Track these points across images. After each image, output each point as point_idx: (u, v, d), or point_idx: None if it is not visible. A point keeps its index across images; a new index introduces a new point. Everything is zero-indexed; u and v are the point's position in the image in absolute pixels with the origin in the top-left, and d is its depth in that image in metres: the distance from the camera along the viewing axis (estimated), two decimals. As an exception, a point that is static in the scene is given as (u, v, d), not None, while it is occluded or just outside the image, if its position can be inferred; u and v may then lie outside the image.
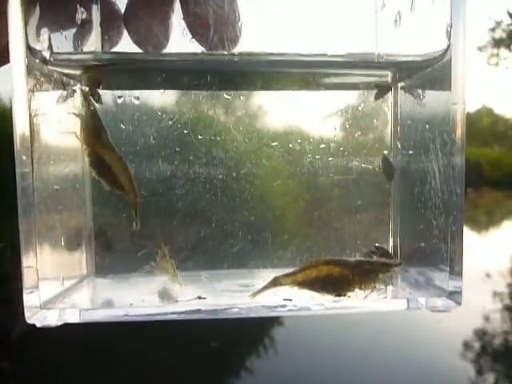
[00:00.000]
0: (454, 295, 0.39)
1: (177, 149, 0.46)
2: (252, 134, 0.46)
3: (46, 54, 0.38)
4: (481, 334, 3.33)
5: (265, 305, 0.40)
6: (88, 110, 0.44)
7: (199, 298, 0.41)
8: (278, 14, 0.42)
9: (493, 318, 3.53)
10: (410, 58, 0.43)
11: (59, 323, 0.38)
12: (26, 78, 0.37)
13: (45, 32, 0.38)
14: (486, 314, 3.51)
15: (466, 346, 3.15)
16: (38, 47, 0.38)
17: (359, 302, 0.41)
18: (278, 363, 2.85)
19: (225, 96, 0.46)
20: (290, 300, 0.40)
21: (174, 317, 0.39)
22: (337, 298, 0.41)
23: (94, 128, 0.44)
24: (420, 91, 0.43)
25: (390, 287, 0.42)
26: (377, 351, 2.88)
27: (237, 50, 0.40)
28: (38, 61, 0.38)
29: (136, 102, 0.46)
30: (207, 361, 2.79)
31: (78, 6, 0.39)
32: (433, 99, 0.42)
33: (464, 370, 2.85)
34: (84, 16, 0.39)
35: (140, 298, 0.42)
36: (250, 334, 3.15)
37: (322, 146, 0.46)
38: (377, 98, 0.47)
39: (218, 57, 0.41)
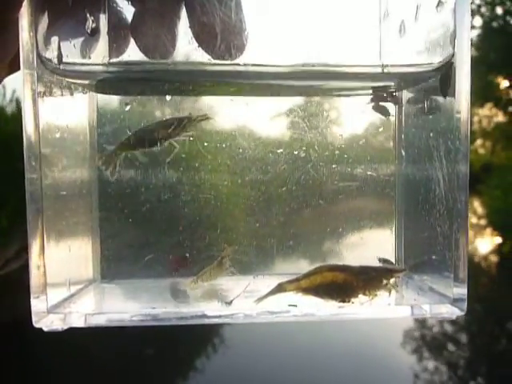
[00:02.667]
0: (459, 302, 0.39)
1: (183, 155, 0.47)
2: (257, 141, 0.47)
3: (56, 63, 0.39)
4: (420, 323, 3.46)
5: (270, 310, 0.40)
6: None
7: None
8: (281, 24, 0.42)
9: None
10: (414, 69, 0.43)
11: (65, 327, 0.39)
12: (35, 86, 0.37)
13: (55, 40, 0.39)
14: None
15: (406, 335, 3.30)
16: (47, 55, 0.38)
17: (363, 308, 0.41)
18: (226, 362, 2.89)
19: (230, 102, 0.47)
20: (295, 306, 0.40)
21: (180, 322, 0.39)
22: (341, 304, 0.41)
23: None
24: (424, 99, 0.44)
25: (394, 294, 0.42)
26: (323, 346, 2.98)
27: (242, 59, 0.40)
28: (47, 69, 0.39)
29: (142, 109, 0.47)
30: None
31: (88, 15, 0.39)
32: (437, 106, 0.42)
33: (405, 358, 2.98)
34: (94, 25, 0.39)
35: (147, 303, 0.42)
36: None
37: (327, 153, 0.47)
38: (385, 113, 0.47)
39: (223, 66, 0.41)
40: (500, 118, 10.70)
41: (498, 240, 6.21)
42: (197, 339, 3.21)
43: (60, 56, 0.39)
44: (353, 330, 3.10)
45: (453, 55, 0.38)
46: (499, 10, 9.89)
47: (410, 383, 2.82)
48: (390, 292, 0.42)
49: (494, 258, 5.47)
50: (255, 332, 3.08)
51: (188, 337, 3.05)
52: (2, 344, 2.86)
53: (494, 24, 9.83)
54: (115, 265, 0.47)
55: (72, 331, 0.39)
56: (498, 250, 5.88)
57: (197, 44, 0.40)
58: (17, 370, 2.73)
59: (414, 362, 3.01)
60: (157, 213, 0.47)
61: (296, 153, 0.47)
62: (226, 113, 0.47)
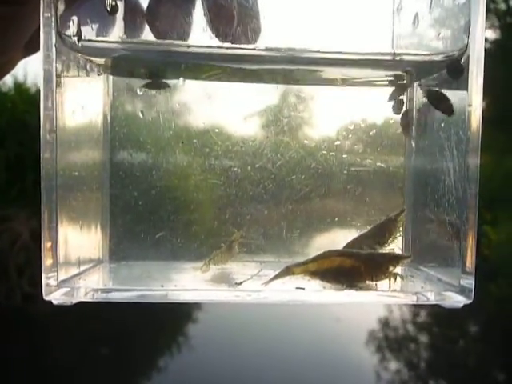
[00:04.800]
0: (465, 291, 0.40)
1: (194, 141, 0.47)
2: (268, 129, 0.47)
3: (75, 40, 0.39)
4: (383, 324, 3.59)
5: (277, 292, 0.40)
6: None
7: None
8: (294, 11, 0.43)
9: (395, 308, 3.83)
10: (426, 58, 0.43)
11: (74, 301, 0.39)
12: (54, 64, 0.38)
13: (73, 19, 0.39)
14: (389, 307, 3.83)
15: (370, 336, 3.38)
16: (67, 33, 0.39)
17: (369, 293, 0.42)
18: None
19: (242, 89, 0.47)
20: (303, 289, 0.41)
21: (188, 300, 0.40)
22: (347, 289, 0.41)
23: None
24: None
25: (400, 280, 0.43)
26: (287, 346, 3.00)
27: (258, 43, 0.41)
28: (65, 46, 0.39)
29: (155, 93, 0.47)
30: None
31: None
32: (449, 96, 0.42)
33: (368, 359, 3.05)
34: (113, 3, 0.40)
35: (156, 281, 0.42)
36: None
37: (337, 143, 0.47)
38: (391, 98, 0.48)
39: (239, 50, 0.41)
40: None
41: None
42: (161, 338, 3.23)
43: (79, 34, 0.39)
44: (318, 329, 3.13)
45: (467, 46, 0.38)
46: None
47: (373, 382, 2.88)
48: (395, 278, 0.42)
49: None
50: (220, 331, 3.11)
51: (152, 335, 3.06)
52: None
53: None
54: (124, 246, 0.48)
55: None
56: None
57: (211, 32, 0.40)
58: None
59: (377, 361, 3.08)
60: (167, 197, 0.47)
61: (306, 142, 0.47)
62: (239, 100, 0.48)
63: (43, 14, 0.37)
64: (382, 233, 0.47)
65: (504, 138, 5.92)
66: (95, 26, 0.42)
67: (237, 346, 3.02)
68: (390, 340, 3.47)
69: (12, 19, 0.36)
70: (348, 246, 0.47)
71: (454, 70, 0.40)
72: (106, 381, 2.73)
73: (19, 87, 4.61)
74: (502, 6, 7.28)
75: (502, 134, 5.90)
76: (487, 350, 3.44)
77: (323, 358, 2.97)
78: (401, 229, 0.48)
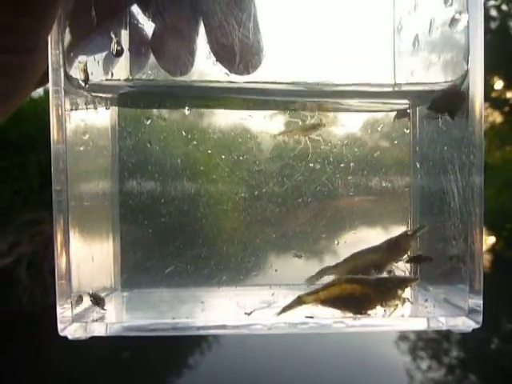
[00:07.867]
0: (474, 314, 0.40)
1: (201, 168, 0.48)
2: (273, 154, 0.48)
3: (83, 82, 0.40)
4: None
5: (287, 322, 0.41)
6: None
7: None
8: (294, 43, 0.43)
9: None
10: (427, 87, 0.43)
11: (89, 336, 0.40)
12: (62, 102, 0.39)
13: (81, 59, 0.40)
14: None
15: (401, 335, 3.36)
16: (73, 73, 0.40)
17: (380, 320, 0.42)
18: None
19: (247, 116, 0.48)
20: (312, 318, 0.41)
21: (199, 332, 0.40)
22: (358, 316, 0.41)
23: None
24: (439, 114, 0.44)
25: (409, 305, 0.43)
26: (318, 342, 2.97)
27: (259, 76, 0.41)
28: (73, 86, 0.40)
29: (163, 123, 0.48)
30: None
31: (114, 37, 0.41)
32: (451, 121, 0.42)
33: (399, 357, 3.09)
34: (119, 47, 0.41)
35: (167, 312, 0.43)
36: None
37: (342, 165, 0.47)
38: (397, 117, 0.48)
39: (242, 84, 0.42)
40: (495, 118, 10.96)
41: (492, 239, 6.41)
42: (191, 336, 3.24)
43: (87, 77, 0.40)
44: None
45: (467, 72, 0.38)
46: (494, 12, 10.27)
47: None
48: (403, 302, 0.42)
49: (487, 256, 5.53)
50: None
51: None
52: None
53: (491, 25, 10.11)
54: (136, 275, 0.48)
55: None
56: (492, 248, 6.12)
57: (215, 58, 0.41)
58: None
59: (409, 360, 3.06)
60: (177, 224, 0.48)
61: (311, 165, 0.48)
62: (243, 127, 0.48)
63: (51, 56, 0.38)
64: (393, 249, 0.46)
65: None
66: (101, 58, 0.43)
67: (266, 342, 3.03)
68: (420, 338, 3.42)
69: (23, 66, 0.37)
70: (351, 258, 0.46)
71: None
72: (138, 378, 2.77)
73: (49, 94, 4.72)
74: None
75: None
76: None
77: (352, 355, 2.96)
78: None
